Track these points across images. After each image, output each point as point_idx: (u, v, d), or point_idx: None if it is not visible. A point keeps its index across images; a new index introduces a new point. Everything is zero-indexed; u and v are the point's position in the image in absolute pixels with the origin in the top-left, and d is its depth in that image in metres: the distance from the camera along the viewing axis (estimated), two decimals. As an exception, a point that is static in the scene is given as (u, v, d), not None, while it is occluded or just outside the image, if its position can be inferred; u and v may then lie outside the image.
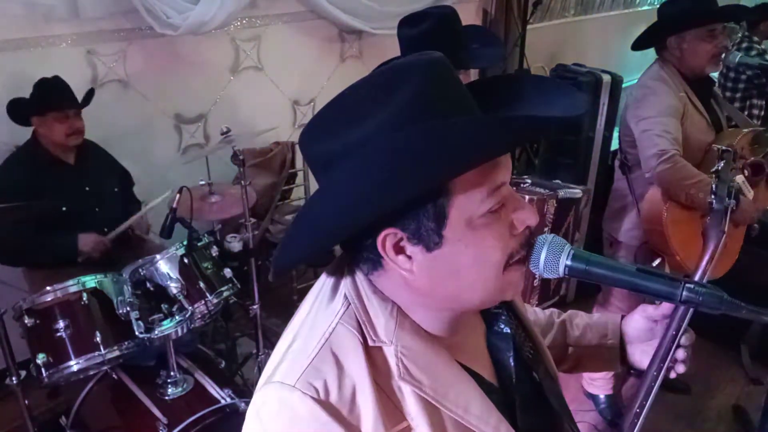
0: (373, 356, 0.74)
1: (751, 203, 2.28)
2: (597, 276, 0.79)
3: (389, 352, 0.74)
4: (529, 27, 4.66)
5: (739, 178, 2.31)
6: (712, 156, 2.36)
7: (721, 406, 2.88)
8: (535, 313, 1.14)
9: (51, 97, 2.44)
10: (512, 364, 0.85)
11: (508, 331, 0.87)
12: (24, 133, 2.55)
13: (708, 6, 2.28)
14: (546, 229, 1.80)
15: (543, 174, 3.68)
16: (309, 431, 0.70)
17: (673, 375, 1.01)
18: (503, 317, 0.89)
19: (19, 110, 2.47)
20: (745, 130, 2.41)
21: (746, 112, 4.77)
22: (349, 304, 0.77)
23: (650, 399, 1.02)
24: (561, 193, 1.79)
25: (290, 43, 3.68)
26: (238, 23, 3.40)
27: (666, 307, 1.00)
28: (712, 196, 1.42)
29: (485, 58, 2.09)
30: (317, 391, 0.71)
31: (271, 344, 3.17)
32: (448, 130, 0.65)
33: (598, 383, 2.83)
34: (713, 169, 1.56)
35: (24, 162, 2.50)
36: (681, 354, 1.00)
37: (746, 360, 3.09)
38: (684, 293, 0.77)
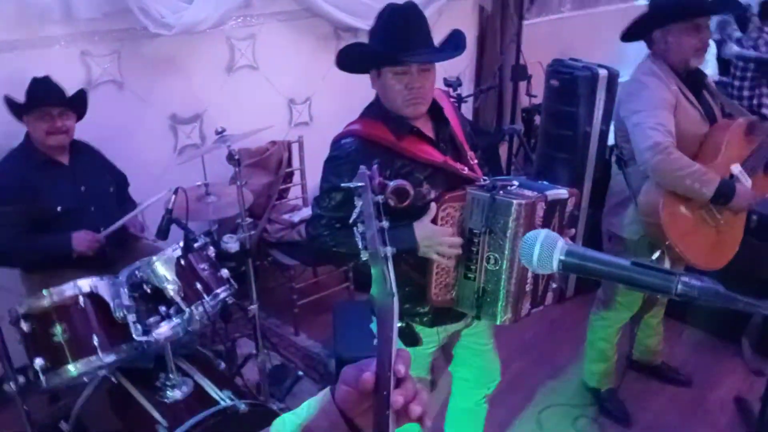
0: None
1: (748, 190, 2.28)
2: (591, 271, 0.79)
3: None
4: (525, 22, 4.65)
5: (736, 168, 2.31)
6: (706, 147, 2.35)
7: (723, 398, 2.88)
8: None
9: (33, 94, 2.43)
10: None
11: None
12: (18, 135, 2.54)
13: (693, 0, 2.27)
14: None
15: (540, 169, 3.67)
16: None
17: None
18: None
19: (10, 108, 2.46)
20: (740, 119, 2.41)
21: (755, 101, 4.77)
22: None
23: None
24: (549, 195, 1.76)
25: (285, 42, 3.67)
26: (233, 22, 3.39)
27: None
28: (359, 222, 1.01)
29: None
30: None
31: (270, 344, 3.17)
32: None
33: (599, 377, 2.83)
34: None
35: (18, 163, 2.49)
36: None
37: (747, 352, 3.09)
38: (679, 287, 0.77)
